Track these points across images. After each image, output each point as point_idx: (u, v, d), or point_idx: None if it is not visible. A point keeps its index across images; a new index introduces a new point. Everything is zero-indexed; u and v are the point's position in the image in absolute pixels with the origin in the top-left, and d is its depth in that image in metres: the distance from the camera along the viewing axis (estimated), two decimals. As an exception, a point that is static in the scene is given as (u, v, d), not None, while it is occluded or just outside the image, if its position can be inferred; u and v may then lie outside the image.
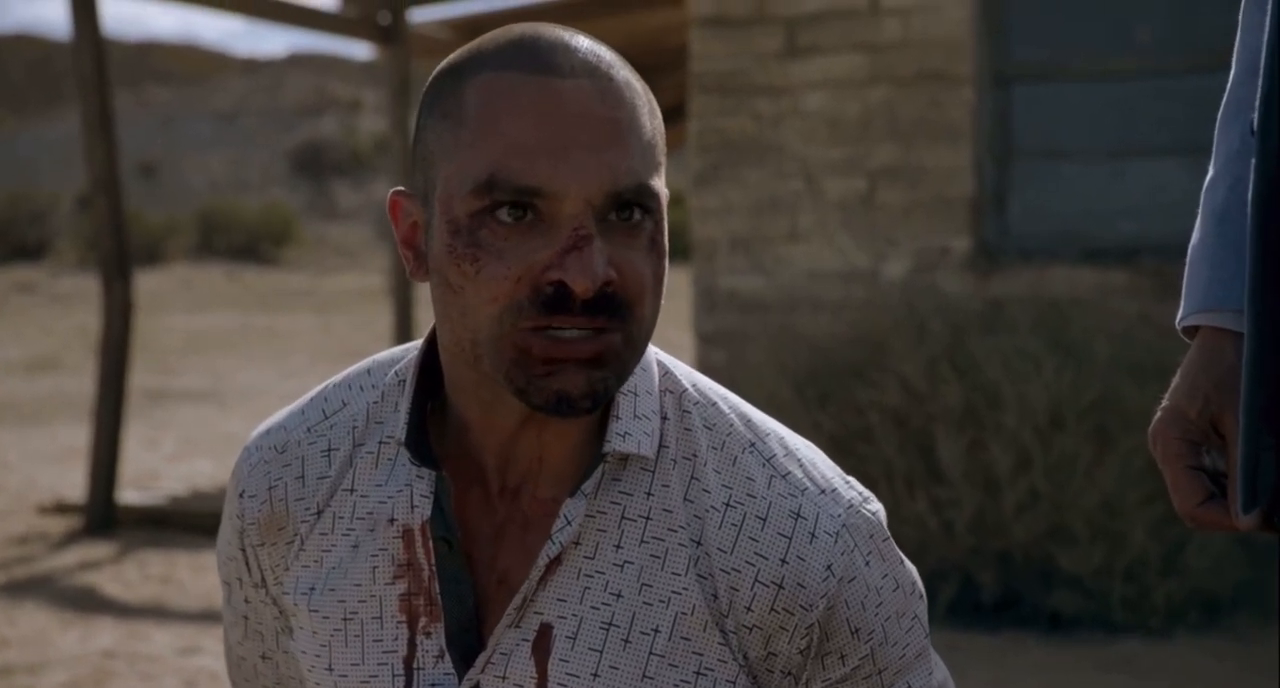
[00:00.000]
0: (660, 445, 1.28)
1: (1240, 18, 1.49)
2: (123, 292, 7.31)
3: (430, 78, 1.27)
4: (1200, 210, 1.49)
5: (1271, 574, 4.81)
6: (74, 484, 8.14)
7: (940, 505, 5.05)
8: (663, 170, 1.23)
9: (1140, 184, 5.90)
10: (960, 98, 5.95)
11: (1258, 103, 1.36)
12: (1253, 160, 1.36)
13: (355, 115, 40.84)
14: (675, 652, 1.24)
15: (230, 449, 9.36)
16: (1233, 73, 1.51)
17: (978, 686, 4.46)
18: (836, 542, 1.26)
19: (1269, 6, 1.39)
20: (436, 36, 9.56)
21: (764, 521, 1.26)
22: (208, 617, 5.61)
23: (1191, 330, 1.47)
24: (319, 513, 1.33)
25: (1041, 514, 4.92)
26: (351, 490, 1.33)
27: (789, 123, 6.16)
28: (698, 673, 1.25)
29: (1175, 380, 1.45)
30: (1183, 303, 1.47)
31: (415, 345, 1.35)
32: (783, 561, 1.25)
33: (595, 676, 1.24)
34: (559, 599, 1.25)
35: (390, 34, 9.11)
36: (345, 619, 1.31)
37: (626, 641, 1.24)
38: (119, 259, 7.32)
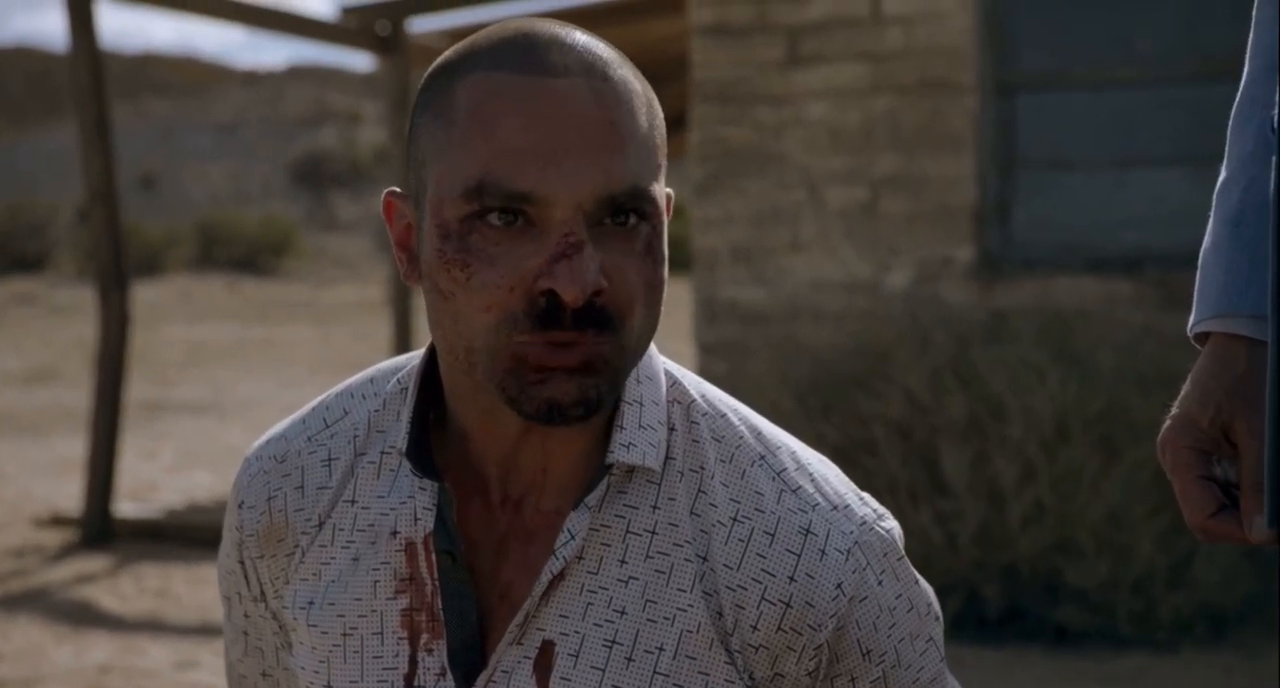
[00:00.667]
0: (667, 458, 1.24)
1: (1254, 11, 1.45)
2: (120, 303, 7.28)
3: (425, 76, 1.24)
4: (1212, 213, 1.44)
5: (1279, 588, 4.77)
6: (71, 496, 8.10)
7: (944, 518, 5.01)
8: (662, 172, 1.19)
9: (1144, 194, 5.87)
10: (963, 107, 5.92)
11: (1278, 99, 1.32)
12: (1273, 158, 1.31)
13: (355, 127, 40.86)
14: (680, 671, 1.20)
15: (229, 461, 9.32)
16: (1247, 70, 1.46)
17: (983, 701, 4.42)
18: (848, 559, 1.22)
19: None
20: (436, 47, 9.53)
21: (772, 536, 1.22)
22: (204, 631, 5.56)
23: (1203, 337, 1.43)
24: (320, 525, 1.30)
25: (1047, 527, 4.88)
26: (352, 502, 1.29)
27: (791, 132, 6.13)
28: None
29: (1185, 387, 1.40)
30: (1194, 309, 1.43)
31: (419, 354, 1.32)
32: (791, 578, 1.21)
33: None
34: (561, 616, 1.22)
35: (389, 44, 9.08)
36: (345, 635, 1.27)
37: (630, 659, 1.20)
38: (116, 270, 7.29)
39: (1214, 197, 1.44)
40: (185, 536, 7.15)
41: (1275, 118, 1.33)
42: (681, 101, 8.07)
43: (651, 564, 1.22)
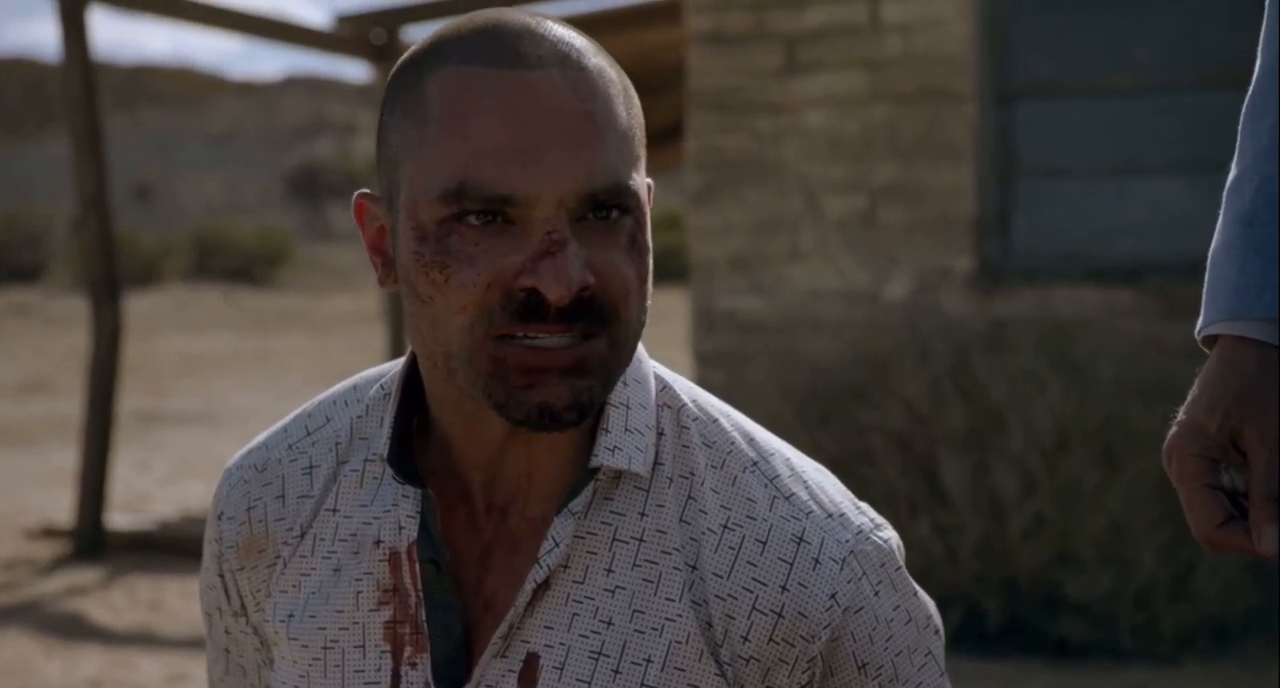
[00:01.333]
0: (656, 463, 1.20)
1: (1267, 4, 1.40)
2: (112, 313, 7.24)
3: (392, 71, 1.19)
4: (1222, 212, 1.39)
5: (1283, 600, 4.73)
6: (64, 508, 8.05)
7: (944, 530, 4.97)
8: (642, 162, 1.15)
9: (1144, 203, 5.84)
10: (962, 115, 5.89)
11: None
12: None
13: (351, 137, 40.84)
14: (669, 683, 1.16)
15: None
16: (1259, 65, 1.41)
17: (984, 715, 4.37)
18: (842, 569, 1.17)
19: None
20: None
21: (764, 544, 1.18)
22: (196, 644, 5.51)
23: (1211, 340, 1.37)
24: (302, 534, 1.25)
25: (1047, 539, 4.85)
26: (334, 510, 1.25)
27: (789, 141, 6.09)
28: None
29: (1193, 392, 1.34)
30: (1203, 311, 1.37)
31: (402, 361, 1.28)
32: (783, 587, 1.17)
33: None
34: (546, 627, 1.17)
35: (385, 53, 9.04)
36: (325, 648, 1.22)
37: (616, 671, 1.16)
38: (108, 280, 7.25)
39: (1224, 194, 1.39)
40: (178, 547, 7.09)
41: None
42: (679, 110, 8.04)
43: (639, 573, 1.18)
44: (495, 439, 1.18)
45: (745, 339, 6.14)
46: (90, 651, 5.46)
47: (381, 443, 1.22)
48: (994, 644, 4.97)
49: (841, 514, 1.20)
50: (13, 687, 5.00)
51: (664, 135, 10.31)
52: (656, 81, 9.00)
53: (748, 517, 1.19)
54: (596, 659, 1.16)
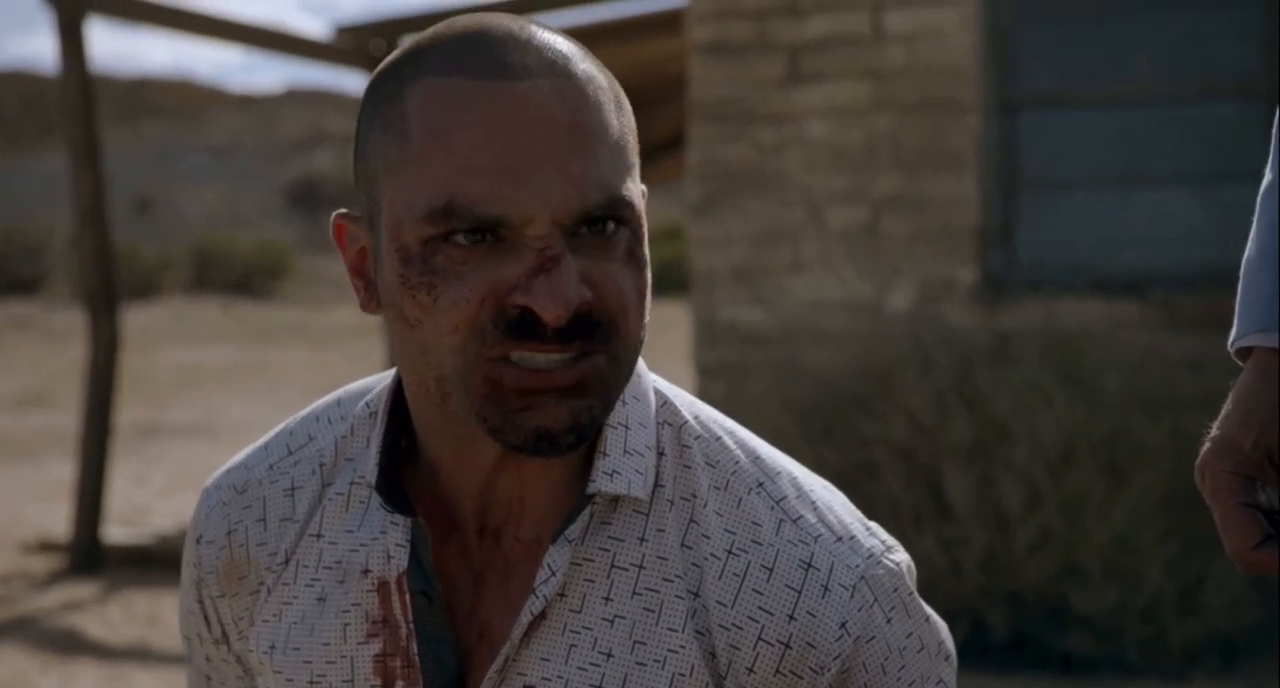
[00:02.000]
0: (656, 484, 1.14)
1: None
2: (109, 325, 7.20)
3: (368, 83, 1.12)
4: (1256, 219, 1.34)
5: (1292, 614, 4.69)
6: (62, 521, 7.99)
7: (948, 543, 4.92)
8: (636, 170, 1.09)
9: (1149, 214, 5.80)
10: (965, 126, 5.85)
11: None
12: None
13: (351, 149, 40.83)
14: None
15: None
16: None
17: (990, 731, 4.32)
18: (853, 596, 1.12)
19: None
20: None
21: (770, 571, 1.12)
22: (194, 659, 5.46)
23: (1245, 352, 1.32)
24: (286, 561, 1.19)
25: (1053, 552, 4.80)
26: (319, 536, 1.19)
27: (791, 151, 6.05)
28: None
29: (1226, 407, 1.29)
30: (1236, 322, 1.33)
31: (389, 375, 1.22)
32: (790, 617, 1.11)
33: None
34: (543, 659, 1.11)
35: (384, 64, 9.00)
36: (311, 683, 1.16)
37: None
38: (106, 292, 7.21)
39: (1258, 201, 1.34)
40: (175, 561, 7.03)
41: None
42: (680, 122, 8.00)
43: (639, 602, 1.12)
44: (486, 464, 1.13)
45: (747, 351, 6.10)
46: (86, 666, 5.41)
47: (369, 467, 1.16)
48: (999, 659, 4.92)
49: (852, 537, 1.15)
50: (7, 703, 4.95)
51: (665, 147, 10.27)
52: (658, 93, 8.97)
53: (753, 541, 1.13)
54: None
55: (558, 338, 1.03)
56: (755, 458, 1.17)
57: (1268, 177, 1.35)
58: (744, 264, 6.12)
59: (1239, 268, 1.36)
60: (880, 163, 5.95)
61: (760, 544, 1.13)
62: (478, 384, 1.05)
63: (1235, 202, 5.60)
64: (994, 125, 5.90)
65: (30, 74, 48.83)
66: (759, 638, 1.11)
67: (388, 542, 1.15)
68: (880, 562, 1.14)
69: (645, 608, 1.12)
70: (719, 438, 1.17)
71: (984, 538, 4.86)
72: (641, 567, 1.12)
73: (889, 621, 1.13)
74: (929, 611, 1.18)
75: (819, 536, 1.14)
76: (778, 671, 1.11)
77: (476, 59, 1.05)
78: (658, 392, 1.19)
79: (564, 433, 1.05)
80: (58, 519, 8.15)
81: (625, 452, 1.13)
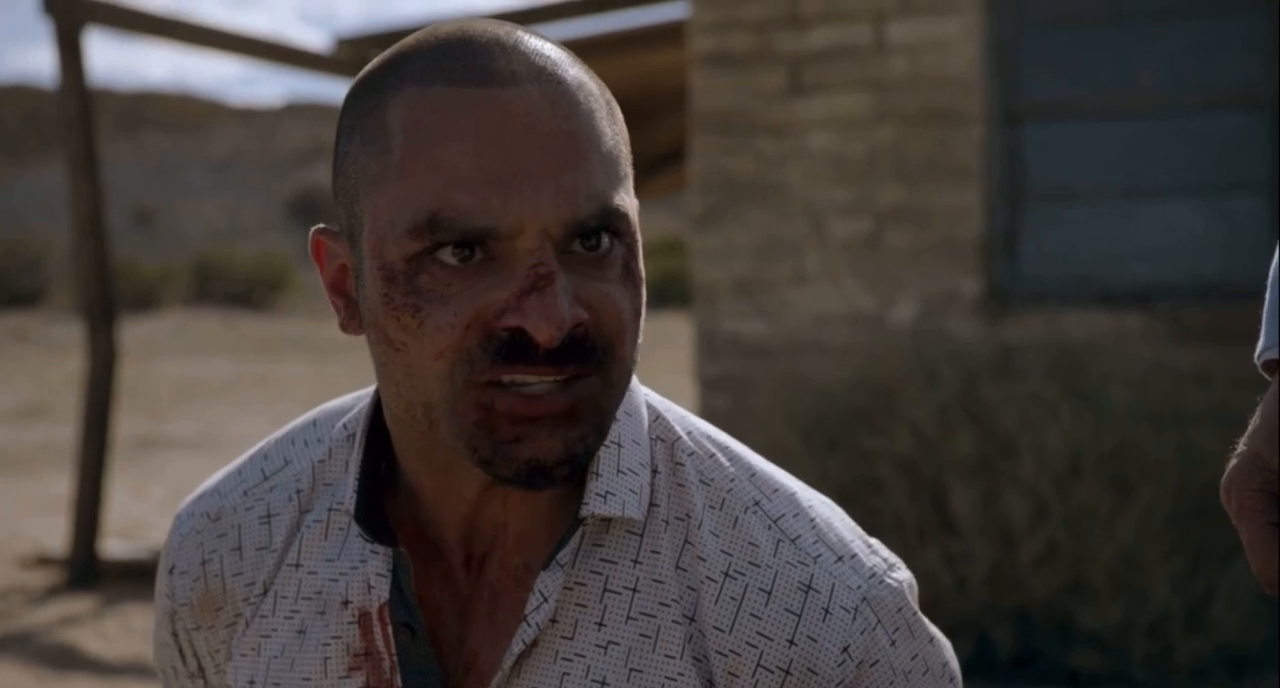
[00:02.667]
0: (650, 504, 1.09)
1: None
2: (107, 337, 7.16)
3: (347, 93, 1.07)
4: None
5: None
6: (60, 535, 7.95)
7: (953, 559, 4.88)
8: (629, 181, 1.04)
9: (1154, 225, 5.76)
10: (969, 137, 5.81)
11: None
12: None
13: (351, 162, 40.83)
14: None
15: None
16: None
17: (996, 749, 4.28)
18: (855, 619, 1.07)
19: None
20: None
21: (769, 594, 1.07)
22: (191, 675, 5.41)
23: (1272, 365, 1.28)
24: (264, 592, 1.14)
25: (1060, 568, 4.76)
26: (297, 565, 1.14)
27: (793, 163, 6.02)
28: None
29: (1253, 423, 1.25)
30: (1262, 334, 1.28)
31: (368, 393, 1.17)
32: (790, 642, 1.06)
33: None
34: None
35: (384, 76, 8.98)
36: None
37: None
38: (104, 304, 7.18)
39: None
40: (174, 576, 7.00)
41: None
42: (682, 133, 7.97)
43: (635, 627, 1.07)
44: (471, 493, 1.08)
45: (750, 364, 6.06)
46: (82, 681, 5.36)
47: (347, 494, 1.11)
48: (1005, 675, 4.88)
49: (852, 556, 1.10)
50: (1, 720, 4.91)
51: (666, 159, 10.24)
52: (659, 104, 8.94)
53: (750, 563, 1.08)
54: None
55: (550, 360, 0.98)
56: (751, 474, 1.12)
57: None
58: (746, 276, 6.08)
59: (1244, 280, 1.31)
60: (883, 174, 5.91)
61: (758, 566, 1.08)
62: (468, 411, 1.00)
63: (1241, 213, 5.57)
64: (998, 136, 5.87)
65: (30, 88, 48.92)
66: (758, 664, 1.06)
67: (368, 571, 1.10)
68: (882, 581, 1.10)
69: (641, 634, 1.07)
70: (712, 454, 1.13)
71: (989, 553, 4.83)
72: (635, 590, 1.08)
73: (893, 643, 1.09)
74: (933, 630, 1.14)
75: (818, 556, 1.09)
76: None
77: (461, 66, 1.00)
78: (649, 406, 1.14)
79: (558, 465, 1.00)
80: (55, 534, 8.11)
81: (619, 471, 1.08)
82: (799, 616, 1.07)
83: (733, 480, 1.11)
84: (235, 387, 17.69)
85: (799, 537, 1.10)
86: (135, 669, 5.55)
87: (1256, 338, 1.29)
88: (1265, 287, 1.28)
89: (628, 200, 1.03)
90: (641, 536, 1.09)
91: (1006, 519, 4.84)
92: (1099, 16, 5.83)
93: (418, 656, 1.08)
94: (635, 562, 1.08)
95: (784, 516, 1.10)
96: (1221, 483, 1.25)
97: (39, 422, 14.24)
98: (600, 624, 1.07)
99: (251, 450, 1.21)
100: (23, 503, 9.44)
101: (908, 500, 4.96)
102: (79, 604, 6.63)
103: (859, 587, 1.08)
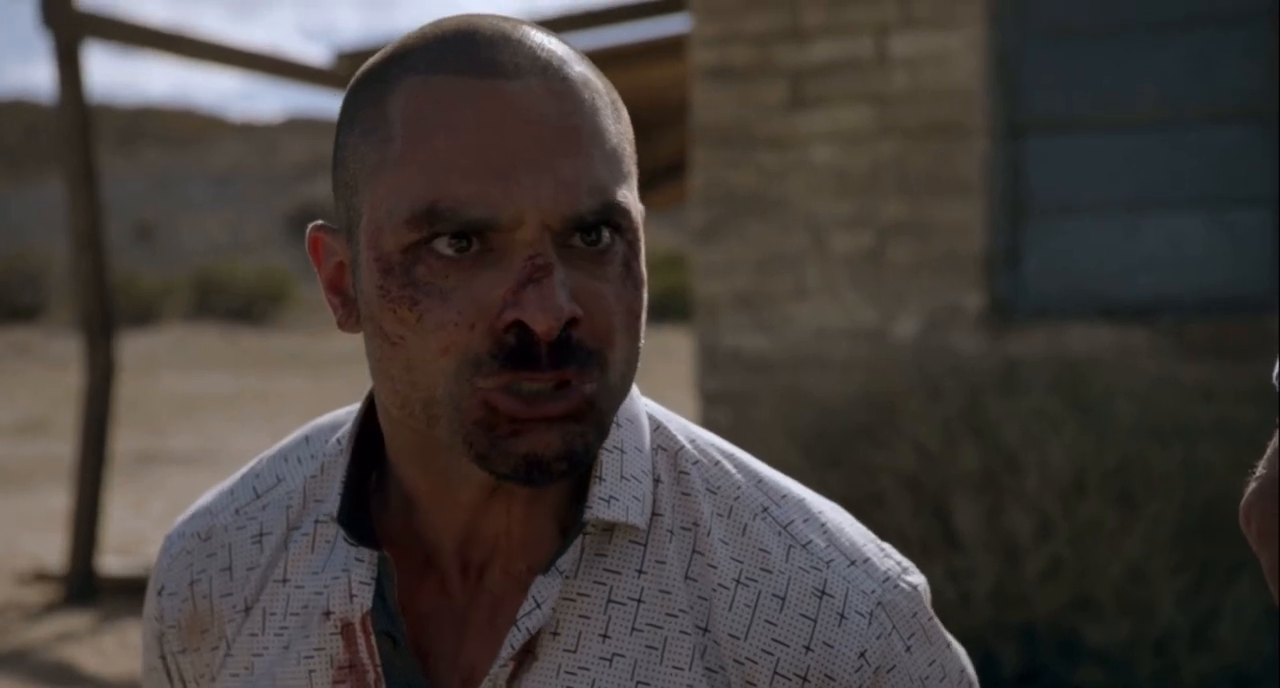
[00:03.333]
0: (654, 513, 1.07)
1: None
2: (105, 352, 7.14)
3: (349, 86, 1.05)
4: None
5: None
6: (58, 551, 7.92)
7: (957, 575, 4.86)
8: (633, 180, 1.02)
9: (1158, 239, 5.73)
10: (971, 150, 5.79)
11: None
12: None
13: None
14: None
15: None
16: None
17: (1001, 767, 4.25)
18: (871, 624, 1.05)
19: None
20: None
21: (783, 600, 1.05)
22: (189, 692, 5.38)
23: None
24: (247, 610, 1.11)
25: (1064, 584, 4.74)
26: (284, 581, 1.11)
27: (794, 176, 5.99)
28: None
29: (1273, 444, 1.22)
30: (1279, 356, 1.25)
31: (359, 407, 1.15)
32: (806, 648, 1.04)
33: None
34: None
35: (384, 90, 8.97)
36: None
37: None
38: (102, 318, 7.16)
39: None
40: (172, 592, 6.97)
41: None
42: (682, 147, 7.95)
43: (640, 639, 1.04)
44: (469, 499, 1.05)
45: (751, 378, 6.03)
46: (79, 699, 5.33)
47: (332, 499, 1.08)
48: (1009, 693, 4.86)
49: (865, 559, 1.08)
50: (-3, 739, 4.87)
51: (667, 172, 10.23)
52: (660, 118, 8.93)
53: (762, 569, 1.06)
54: None
55: (551, 364, 0.96)
56: (758, 481, 1.11)
57: None
58: (747, 290, 6.06)
59: (1248, 293, 1.28)
60: (885, 188, 5.89)
61: (770, 572, 1.06)
62: (473, 408, 0.98)
63: (1244, 226, 5.54)
64: (1000, 150, 5.84)
65: (29, 102, 49.00)
66: (774, 672, 1.04)
67: (350, 579, 1.08)
68: (897, 585, 1.08)
69: (647, 645, 1.04)
70: (717, 462, 1.11)
71: (993, 569, 4.80)
72: (640, 601, 1.05)
73: (909, 649, 1.07)
74: (949, 636, 1.11)
75: (831, 560, 1.07)
76: None
77: (465, 57, 0.98)
78: (650, 416, 1.12)
79: (556, 459, 0.98)
80: (54, 549, 8.08)
81: (622, 477, 1.06)
82: (814, 621, 1.05)
83: (740, 488, 1.10)
84: (235, 402, 17.67)
85: (810, 542, 1.08)
86: (133, 687, 5.52)
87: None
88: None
89: (630, 197, 1.01)
90: (645, 545, 1.06)
91: (1011, 535, 4.81)
92: (1101, 29, 5.81)
93: (403, 668, 1.05)
94: (640, 572, 1.06)
95: (793, 521, 1.09)
96: (1240, 508, 1.22)
97: (38, 436, 14.22)
98: (604, 636, 1.05)
99: (244, 469, 1.19)
100: (21, 518, 9.41)
101: (911, 516, 4.93)
102: (76, 621, 6.60)
103: (873, 591, 1.07)
